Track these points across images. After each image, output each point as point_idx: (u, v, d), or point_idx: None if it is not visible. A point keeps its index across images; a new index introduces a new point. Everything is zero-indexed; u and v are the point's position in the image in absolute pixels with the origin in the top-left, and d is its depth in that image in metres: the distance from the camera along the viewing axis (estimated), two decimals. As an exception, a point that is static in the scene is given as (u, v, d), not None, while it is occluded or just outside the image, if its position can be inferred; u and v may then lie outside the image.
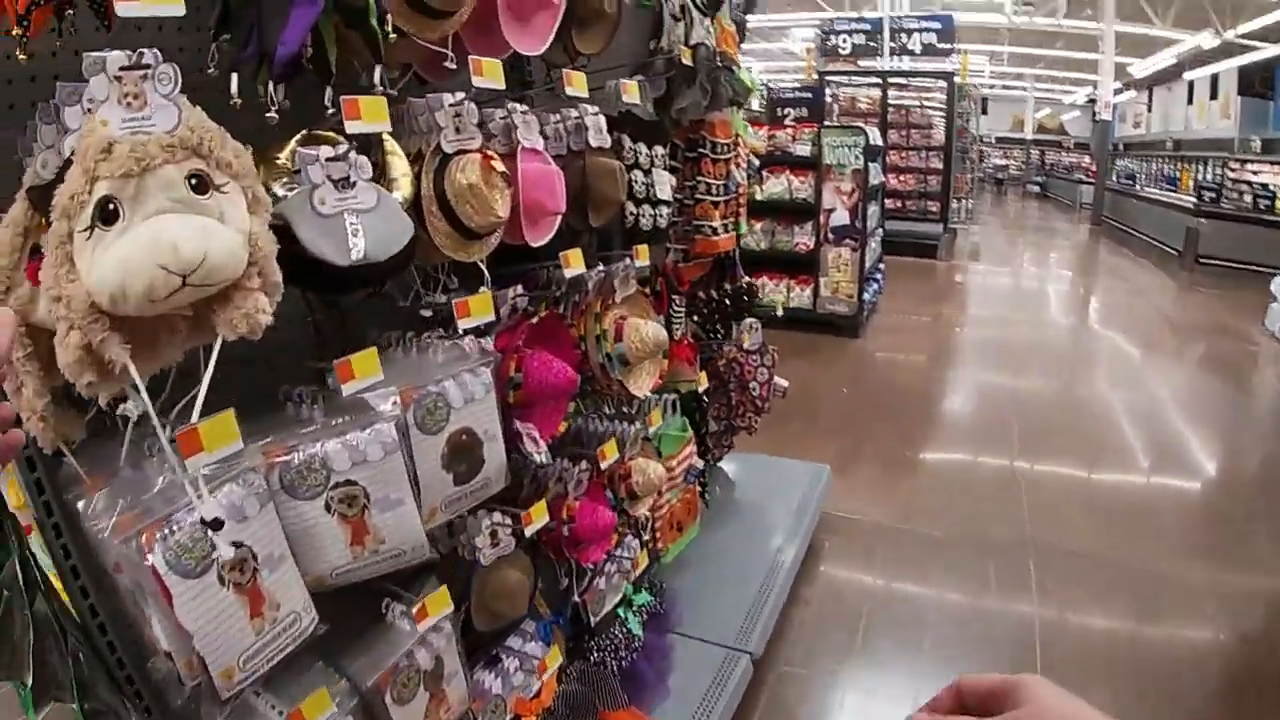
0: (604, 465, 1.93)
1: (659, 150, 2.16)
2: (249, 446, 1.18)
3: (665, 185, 2.15)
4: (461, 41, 1.48)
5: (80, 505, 1.06)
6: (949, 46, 12.23)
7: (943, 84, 11.08)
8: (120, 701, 1.24)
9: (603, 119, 1.89)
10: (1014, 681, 0.59)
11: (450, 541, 1.67)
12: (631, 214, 2.03)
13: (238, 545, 1.10)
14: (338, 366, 1.21)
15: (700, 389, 2.78)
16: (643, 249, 1.98)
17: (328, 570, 1.27)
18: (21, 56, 0.93)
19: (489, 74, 1.38)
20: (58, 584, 1.20)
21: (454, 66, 1.39)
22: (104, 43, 0.95)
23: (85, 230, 0.85)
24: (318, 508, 1.24)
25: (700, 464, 2.76)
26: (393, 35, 1.17)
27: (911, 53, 12.30)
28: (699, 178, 2.72)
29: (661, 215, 2.13)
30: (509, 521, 1.69)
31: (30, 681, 1.20)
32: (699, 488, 2.89)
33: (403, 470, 1.31)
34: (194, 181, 0.90)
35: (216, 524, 1.05)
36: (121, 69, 0.89)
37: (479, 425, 1.47)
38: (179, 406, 1.06)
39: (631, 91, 2.04)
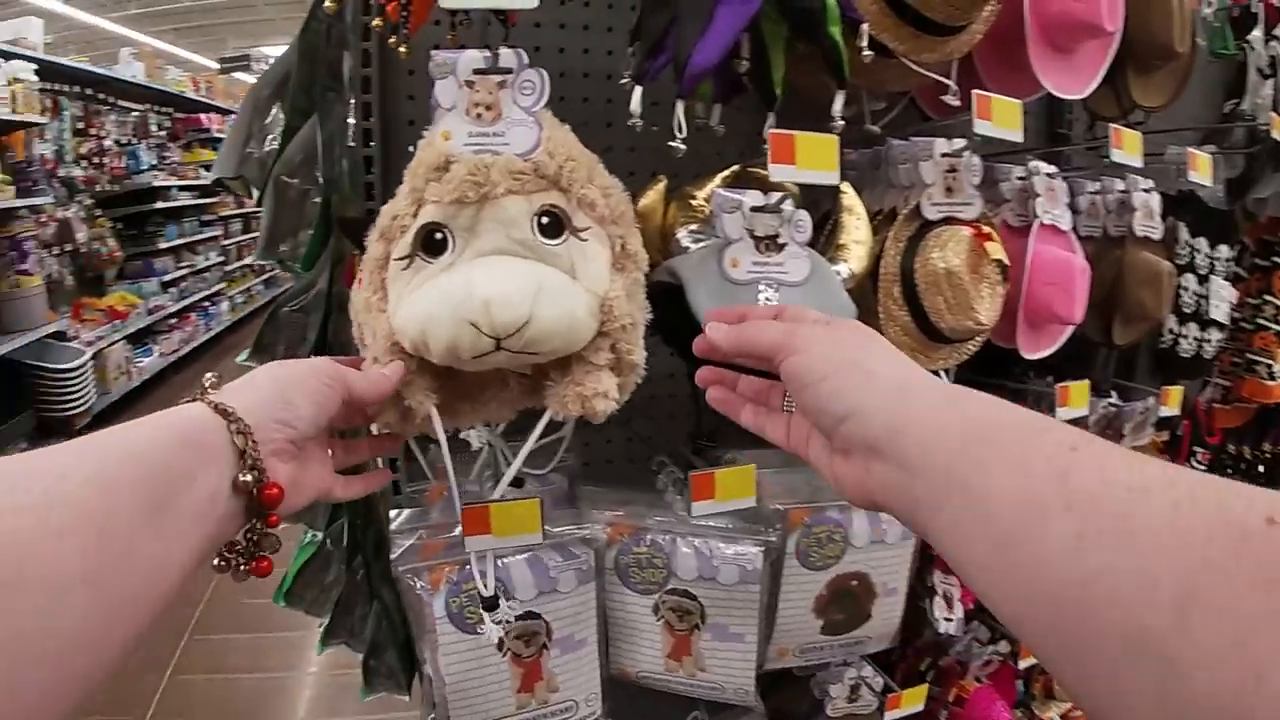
0: (1025, 663, 1.42)
1: (1223, 252, 1.55)
2: (595, 514, 1.05)
3: (1223, 302, 1.54)
4: (976, 71, 1.11)
5: (392, 514, 1.01)
6: None
7: None
8: (402, 672, 1.26)
9: (1157, 199, 1.37)
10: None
11: (803, 666, 1.36)
12: (1171, 334, 1.46)
13: (533, 616, 0.98)
14: (694, 480, 0.94)
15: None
16: (1174, 392, 1.39)
17: (633, 670, 1.10)
18: (403, 50, 0.82)
19: (1001, 119, 0.99)
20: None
21: (957, 103, 1.03)
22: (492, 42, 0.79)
23: (404, 259, 0.69)
24: (645, 605, 1.06)
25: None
26: (868, 54, 0.85)
27: None
28: (1267, 297, 1.97)
29: (1210, 341, 1.51)
30: (880, 682, 1.32)
31: (326, 621, 1.31)
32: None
33: (755, 604, 1.04)
34: (544, 221, 0.69)
35: (491, 604, 0.89)
36: (475, 72, 0.70)
37: (879, 575, 1.13)
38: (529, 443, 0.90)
39: (1201, 167, 1.46)
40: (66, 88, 5.47)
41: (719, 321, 0.67)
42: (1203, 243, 1.52)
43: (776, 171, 0.81)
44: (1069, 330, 1.21)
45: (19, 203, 4.51)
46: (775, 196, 0.83)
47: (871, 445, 0.52)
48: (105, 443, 0.50)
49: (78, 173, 5.54)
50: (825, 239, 1.01)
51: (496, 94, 0.71)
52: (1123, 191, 1.35)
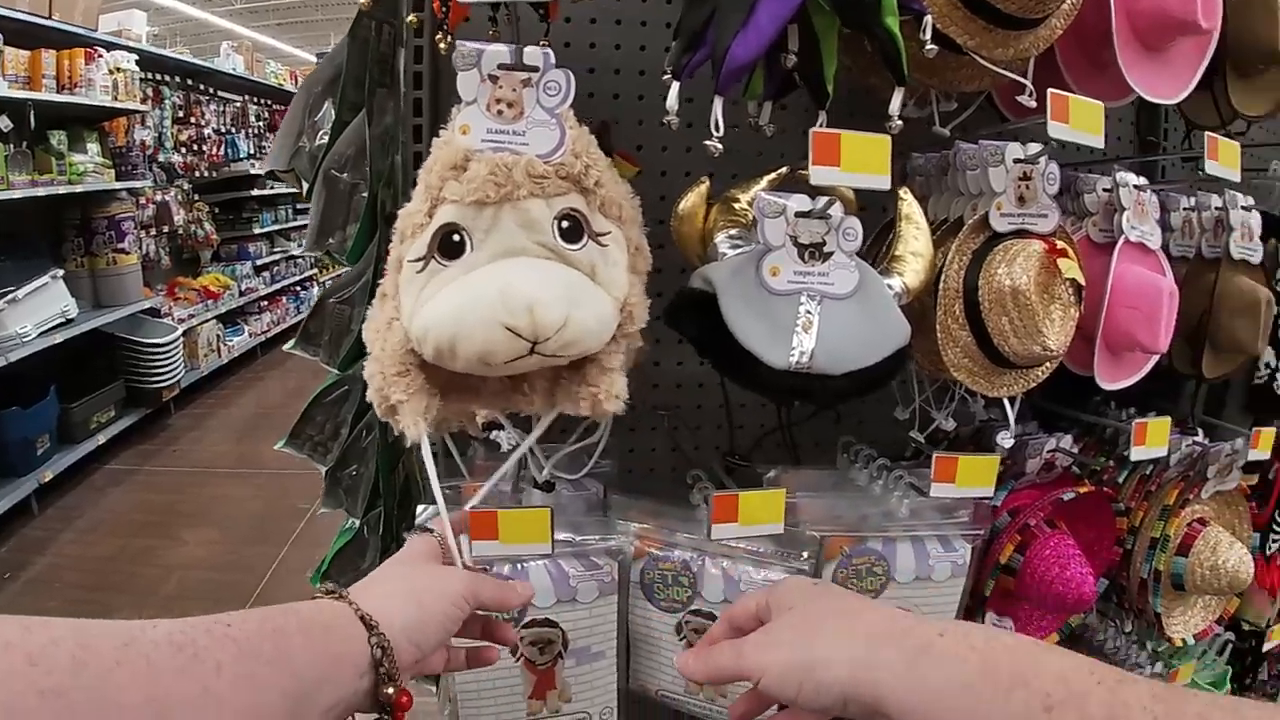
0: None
1: (1336, 279, 1.40)
2: (624, 524, 1.02)
3: (1333, 335, 1.39)
4: (1059, 70, 1.03)
5: (419, 509, 1.00)
6: None
7: None
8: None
9: (1258, 218, 1.25)
10: (766, 594, 0.66)
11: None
12: (1268, 368, 1.33)
13: (550, 624, 0.97)
14: (716, 501, 0.89)
15: (1265, 625, 1.84)
16: (1267, 435, 1.26)
17: (654, 688, 1.06)
18: (443, 46, 0.80)
19: (1080, 122, 0.91)
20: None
21: (1033, 104, 0.95)
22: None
23: (419, 260, 0.67)
24: (668, 624, 1.01)
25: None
26: (931, 48, 0.78)
27: None
28: (1382, 327, 1.78)
29: (1313, 379, 1.37)
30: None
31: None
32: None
33: (783, 633, 0.97)
34: (564, 225, 0.67)
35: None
36: (500, 67, 0.68)
37: (925, 613, 1.04)
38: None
39: (1307, 184, 1.34)
40: (168, 78, 5.73)
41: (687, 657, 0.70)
42: (1312, 269, 1.39)
43: (818, 174, 0.74)
44: (1152, 360, 1.11)
45: (118, 185, 4.76)
46: (822, 201, 0.77)
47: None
48: (255, 642, 0.51)
49: (177, 159, 5.82)
50: (876, 248, 0.95)
51: (520, 91, 0.69)
52: (1219, 209, 1.23)
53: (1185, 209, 1.24)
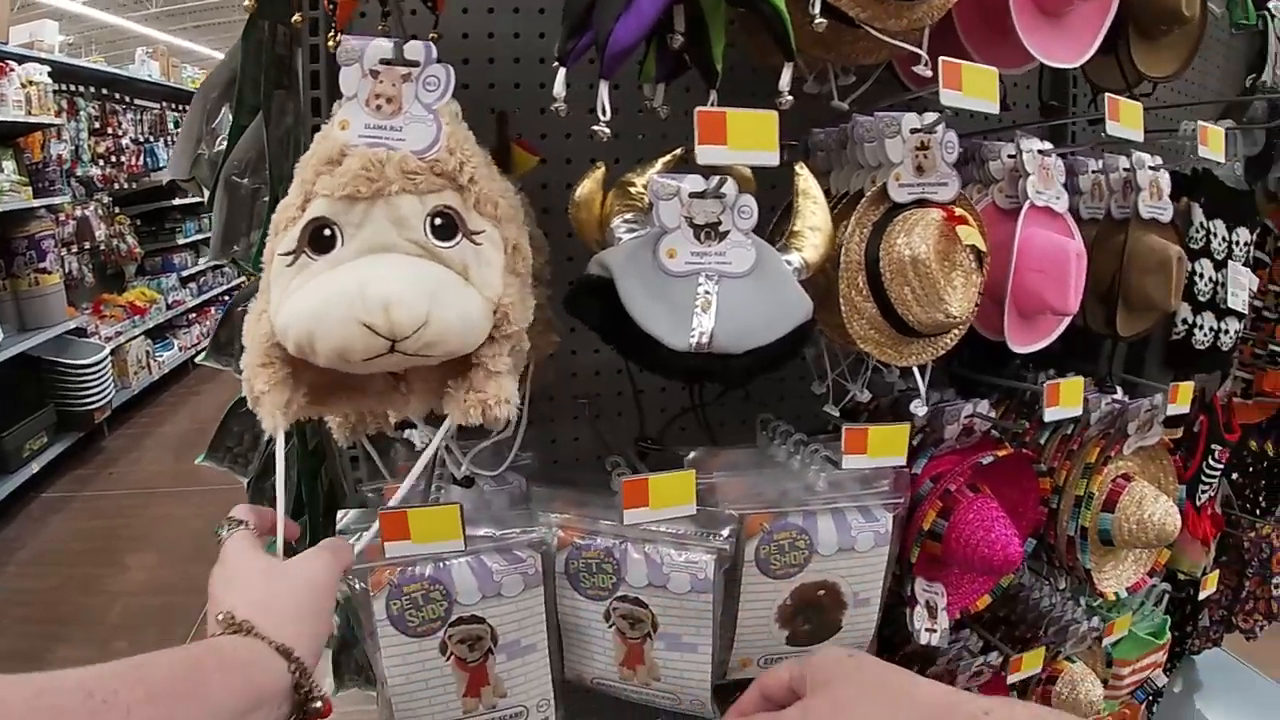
0: (1016, 676, 1.33)
1: (1242, 235, 1.46)
2: (545, 516, 1.01)
3: (1242, 289, 1.44)
4: (959, 41, 1.03)
5: (339, 515, 0.98)
6: None
7: None
8: (370, 668, 1.23)
9: (1166, 177, 1.27)
10: (800, 667, 0.63)
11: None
12: (1184, 323, 1.36)
13: (477, 620, 0.95)
14: (625, 487, 0.88)
15: (1200, 574, 1.90)
16: (1184, 389, 1.29)
17: (589, 675, 1.06)
18: (331, 44, 0.78)
19: (973, 89, 0.91)
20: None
21: (929, 74, 0.94)
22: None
23: (289, 254, 0.67)
24: (595, 612, 1.01)
25: (1162, 680, 1.92)
26: (820, 22, 0.78)
27: None
28: (1291, 283, 1.85)
29: (1228, 332, 1.41)
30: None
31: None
32: (1146, 706, 2.02)
33: (708, 613, 0.98)
34: (437, 223, 0.67)
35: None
36: (382, 62, 0.69)
37: (848, 584, 1.05)
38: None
39: (1212, 141, 1.36)
40: (82, 88, 5.52)
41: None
42: (1220, 225, 1.42)
43: (705, 153, 0.73)
44: (1064, 322, 1.12)
45: (36, 203, 4.59)
46: (715, 180, 0.77)
47: None
48: (168, 683, 0.53)
49: (95, 171, 5.62)
50: (775, 224, 0.94)
51: (399, 87, 0.69)
52: (1126, 170, 1.25)
53: (1093, 171, 1.26)
